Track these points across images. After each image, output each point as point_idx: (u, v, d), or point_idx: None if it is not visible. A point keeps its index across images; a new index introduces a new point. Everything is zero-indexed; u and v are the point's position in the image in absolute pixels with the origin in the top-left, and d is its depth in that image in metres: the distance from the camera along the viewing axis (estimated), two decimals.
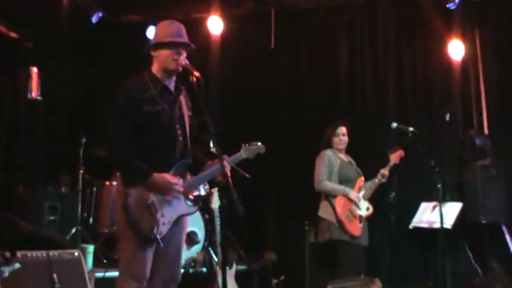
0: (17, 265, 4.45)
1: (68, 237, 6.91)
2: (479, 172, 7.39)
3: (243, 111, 8.83)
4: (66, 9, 7.99)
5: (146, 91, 4.12)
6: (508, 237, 7.25)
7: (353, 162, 6.82)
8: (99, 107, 8.61)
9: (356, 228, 6.36)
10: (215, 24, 8.64)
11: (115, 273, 6.19)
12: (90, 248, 6.59)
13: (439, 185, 6.08)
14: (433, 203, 7.24)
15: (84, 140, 7.23)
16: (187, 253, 6.90)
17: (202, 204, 4.41)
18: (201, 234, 7.07)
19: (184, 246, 4.48)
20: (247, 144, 4.54)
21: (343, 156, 6.72)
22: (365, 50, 8.59)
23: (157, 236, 3.97)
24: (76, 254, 5.45)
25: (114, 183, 7.28)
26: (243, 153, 4.51)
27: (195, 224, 6.98)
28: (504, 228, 7.27)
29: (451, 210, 7.25)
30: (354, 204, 6.42)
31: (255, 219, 7.47)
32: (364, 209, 6.49)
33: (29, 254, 4.99)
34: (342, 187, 6.45)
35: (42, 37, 7.79)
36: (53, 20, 8.02)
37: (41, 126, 7.81)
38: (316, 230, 6.76)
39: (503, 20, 8.07)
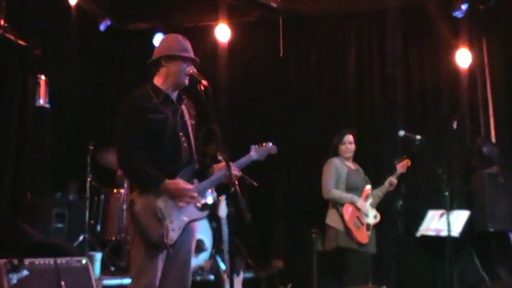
0: (25, 272, 4.47)
1: (75, 244, 6.93)
2: (486, 180, 7.38)
3: (251, 119, 8.86)
4: (74, 17, 8.00)
5: (150, 100, 4.13)
6: None
7: (360, 170, 6.81)
8: (107, 115, 8.65)
9: (364, 236, 6.35)
10: (223, 32, 8.67)
11: (123, 281, 6.25)
12: (98, 256, 6.59)
13: (446, 193, 6.09)
14: (440, 211, 7.23)
15: (91, 148, 7.26)
16: (195, 261, 6.89)
17: (210, 212, 4.38)
18: (208, 242, 7.07)
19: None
20: (257, 145, 4.45)
21: (350, 164, 6.72)
22: (373, 58, 8.61)
23: (168, 242, 3.96)
24: (84, 261, 5.45)
25: (122, 190, 7.31)
26: (253, 154, 4.41)
27: (202, 231, 6.98)
28: None
29: (459, 218, 7.23)
30: (362, 212, 6.41)
31: (263, 227, 7.48)
32: (372, 216, 6.48)
33: (36, 261, 5.00)
34: (349, 195, 6.44)
35: (50, 45, 7.83)
36: (61, 28, 8.06)
37: (49, 134, 7.83)
38: (324, 238, 6.74)
39: (510, 28, 8.07)
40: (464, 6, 7.88)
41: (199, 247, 6.97)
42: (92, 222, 7.41)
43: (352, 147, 6.70)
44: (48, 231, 6.88)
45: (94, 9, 8.57)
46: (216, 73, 8.63)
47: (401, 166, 6.62)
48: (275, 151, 4.51)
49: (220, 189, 5.53)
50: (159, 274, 4.01)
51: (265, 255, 8.04)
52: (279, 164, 8.25)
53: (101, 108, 8.82)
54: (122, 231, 7.08)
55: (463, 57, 8.00)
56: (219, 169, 4.29)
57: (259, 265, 7.57)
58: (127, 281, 6.09)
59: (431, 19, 8.12)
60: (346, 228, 6.30)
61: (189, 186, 4.09)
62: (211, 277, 6.65)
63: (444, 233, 6.69)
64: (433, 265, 7.62)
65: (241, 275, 6.44)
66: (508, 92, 8.00)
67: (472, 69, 8.10)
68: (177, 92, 4.29)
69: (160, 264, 4.01)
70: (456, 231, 7.03)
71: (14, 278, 4.34)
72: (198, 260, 6.94)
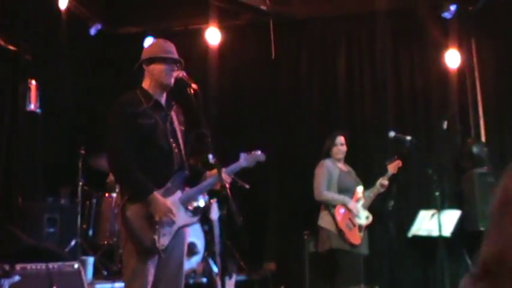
0: (17, 278, 4.46)
1: (67, 249, 6.91)
2: (477, 180, 7.41)
3: (242, 122, 8.86)
4: (64, 21, 7.99)
5: (140, 105, 4.13)
6: None
7: (352, 171, 6.83)
8: (98, 119, 8.62)
9: (356, 237, 6.37)
10: (213, 36, 8.67)
11: (115, 285, 6.24)
12: (90, 260, 6.58)
13: (437, 193, 6.11)
14: (431, 211, 7.25)
15: (83, 152, 7.25)
16: (188, 264, 6.89)
17: (202, 215, 4.39)
18: (200, 245, 7.07)
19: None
20: (246, 153, 4.51)
21: (342, 165, 6.74)
22: (363, 59, 8.63)
23: (159, 247, 3.97)
24: (76, 266, 5.43)
25: (114, 195, 7.30)
26: (243, 162, 4.45)
27: (194, 234, 6.98)
28: None
29: (450, 218, 7.26)
30: (354, 214, 6.43)
31: (255, 230, 7.48)
32: (364, 218, 6.50)
33: (28, 266, 4.99)
34: (341, 197, 6.46)
35: (41, 49, 7.80)
36: (51, 32, 8.03)
37: (40, 138, 7.80)
38: (316, 240, 6.76)
39: (499, 28, 8.11)
40: (453, 7, 7.92)
41: (192, 250, 6.97)
42: (84, 226, 7.38)
43: (344, 148, 6.72)
44: (40, 236, 6.86)
45: (84, 13, 8.57)
46: (207, 76, 8.62)
47: (393, 167, 6.63)
48: (263, 159, 4.56)
49: (212, 192, 5.54)
50: (151, 279, 4.01)
51: (257, 258, 8.03)
52: (271, 166, 8.25)
53: (92, 112, 8.79)
54: (114, 235, 7.06)
55: (453, 58, 8.03)
56: (211, 176, 4.32)
57: (252, 267, 7.58)
58: (119, 285, 6.10)
59: (420, 21, 8.14)
60: (339, 229, 6.32)
61: (174, 208, 4.08)
62: (204, 280, 6.66)
63: (435, 233, 6.71)
64: (424, 265, 7.65)
65: (234, 278, 6.45)
66: (498, 92, 8.05)
67: (461, 70, 8.13)
68: (165, 97, 4.30)
69: (152, 269, 4.02)
70: (447, 231, 7.06)
71: (6, 284, 4.33)
72: (191, 263, 6.94)
